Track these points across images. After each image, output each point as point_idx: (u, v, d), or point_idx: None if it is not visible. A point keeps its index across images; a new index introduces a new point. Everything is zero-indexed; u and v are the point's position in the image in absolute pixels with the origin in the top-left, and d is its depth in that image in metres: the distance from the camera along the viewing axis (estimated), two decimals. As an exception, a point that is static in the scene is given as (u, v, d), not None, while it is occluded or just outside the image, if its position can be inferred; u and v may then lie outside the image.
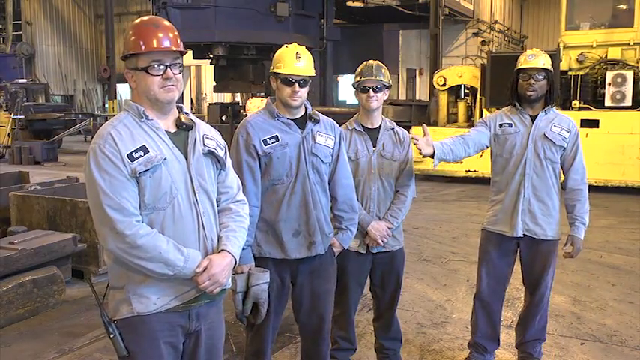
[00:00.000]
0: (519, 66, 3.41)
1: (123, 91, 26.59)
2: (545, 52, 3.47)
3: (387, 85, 3.28)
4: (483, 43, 20.33)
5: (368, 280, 3.49)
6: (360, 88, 3.26)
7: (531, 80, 3.35)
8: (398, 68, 21.75)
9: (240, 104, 14.78)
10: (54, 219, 5.52)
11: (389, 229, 3.29)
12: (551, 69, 3.41)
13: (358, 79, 3.27)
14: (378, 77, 3.22)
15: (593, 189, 10.70)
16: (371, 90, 3.22)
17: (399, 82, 21.74)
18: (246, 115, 11.66)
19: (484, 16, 21.31)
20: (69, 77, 27.22)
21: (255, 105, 11.94)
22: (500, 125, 3.49)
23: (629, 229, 7.65)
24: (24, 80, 21.58)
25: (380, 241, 3.28)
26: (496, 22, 22.38)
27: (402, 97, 20.97)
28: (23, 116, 17.68)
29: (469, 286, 5.14)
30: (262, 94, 13.52)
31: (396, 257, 3.44)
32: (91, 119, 18.00)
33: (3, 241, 4.91)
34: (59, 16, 27.42)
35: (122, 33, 25.30)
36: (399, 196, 3.36)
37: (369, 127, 3.34)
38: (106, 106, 23.33)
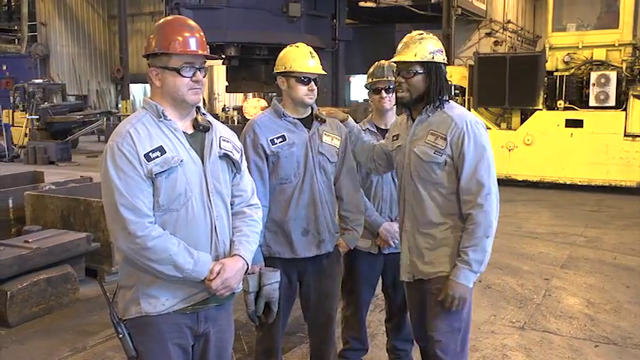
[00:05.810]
0: None
1: (136, 91, 26.76)
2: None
3: None
4: (496, 43, 20.18)
5: (380, 281, 3.48)
6: (373, 90, 3.26)
7: (399, 78, 2.57)
8: (410, 68, 21.64)
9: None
10: (68, 218, 5.57)
11: (400, 230, 3.28)
12: (434, 59, 2.53)
13: (370, 80, 3.27)
14: (389, 77, 3.22)
15: (582, 188, 10.49)
16: (383, 91, 3.23)
17: (411, 82, 21.63)
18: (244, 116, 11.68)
19: (497, 16, 21.16)
20: (82, 77, 27.42)
21: (252, 105, 11.92)
22: (392, 138, 2.81)
23: (644, 230, 7.57)
24: (40, 81, 21.67)
25: (391, 243, 3.26)
26: (509, 21, 22.20)
27: (415, 97, 20.88)
28: (38, 117, 17.79)
29: (480, 287, 5.11)
30: (274, 94, 13.53)
31: (408, 258, 3.42)
32: (104, 119, 18.00)
33: (18, 240, 4.97)
34: (73, 17, 27.67)
35: (135, 34, 25.53)
36: (411, 197, 3.34)
37: (383, 127, 3.33)
38: (119, 105, 23.47)
